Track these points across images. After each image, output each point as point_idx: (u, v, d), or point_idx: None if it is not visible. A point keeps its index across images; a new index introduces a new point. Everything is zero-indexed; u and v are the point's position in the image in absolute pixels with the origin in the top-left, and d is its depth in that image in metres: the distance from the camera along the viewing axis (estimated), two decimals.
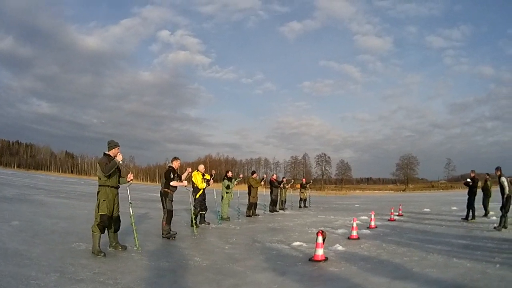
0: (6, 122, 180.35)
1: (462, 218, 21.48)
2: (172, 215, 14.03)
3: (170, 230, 13.77)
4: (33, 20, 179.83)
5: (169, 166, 14.41)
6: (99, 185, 10.49)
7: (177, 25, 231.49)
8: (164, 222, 13.69)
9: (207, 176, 18.30)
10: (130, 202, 11.30)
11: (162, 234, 13.68)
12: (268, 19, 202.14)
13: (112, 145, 10.78)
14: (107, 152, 10.69)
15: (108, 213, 10.33)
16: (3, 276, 7.53)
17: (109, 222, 10.46)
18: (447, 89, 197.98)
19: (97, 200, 10.39)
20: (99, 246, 10.03)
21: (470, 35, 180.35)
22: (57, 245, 10.88)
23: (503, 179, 16.85)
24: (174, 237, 13.62)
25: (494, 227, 17.30)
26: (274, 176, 29.13)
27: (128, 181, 11.10)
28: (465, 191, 23.53)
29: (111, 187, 10.51)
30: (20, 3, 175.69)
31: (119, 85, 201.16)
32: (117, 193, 10.76)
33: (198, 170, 18.02)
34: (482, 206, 22.81)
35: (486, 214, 22.62)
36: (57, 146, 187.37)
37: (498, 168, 17.89)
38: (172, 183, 13.96)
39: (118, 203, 10.75)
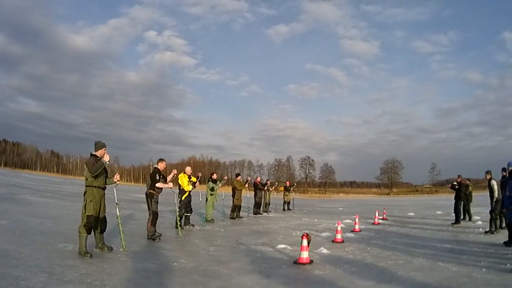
0: None
1: (452, 223, 21.55)
2: (157, 217, 14.04)
3: (155, 231, 13.77)
4: (23, 19, 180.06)
5: (155, 168, 14.41)
6: (86, 186, 10.47)
7: (164, 26, 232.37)
8: (149, 223, 13.69)
9: (193, 179, 18.30)
10: (116, 203, 11.32)
11: (147, 235, 13.67)
12: (255, 22, 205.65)
13: (99, 146, 10.79)
14: (94, 153, 10.69)
15: (94, 214, 10.31)
16: None
17: (96, 223, 10.46)
18: (433, 94, 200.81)
19: (84, 200, 10.37)
20: (85, 247, 10.02)
21: (457, 40, 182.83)
22: (44, 245, 10.84)
23: (493, 182, 16.84)
24: (159, 239, 13.61)
25: (485, 232, 17.40)
26: (258, 179, 29.14)
27: (115, 182, 11.09)
28: (450, 195, 23.74)
29: (98, 187, 10.50)
30: (11, 2, 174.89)
31: (105, 85, 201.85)
32: (104, 194, 10.74)
33: (184, 172, 18.02)
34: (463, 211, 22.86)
35: (470, 219, 22.75)
36: (44, 145, 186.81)
37: (488, 172, 17.93)
38: (157, 185, 13.93)
39: (104, 204, 10.74)
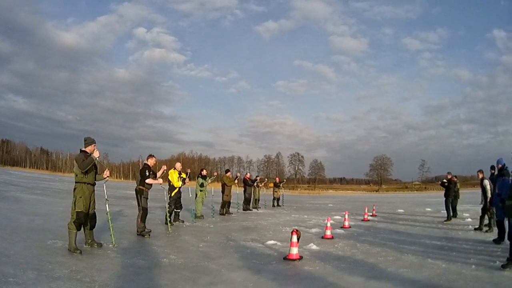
0: None
1: (444, 221, 21.58)
2: (147, 213, 14.03)
3: (145, 227, 13.77)
4: (10, 16, 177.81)
5: (145, 164, 14.40)
6: (75, 182, 10.47)
7: (153, 23, 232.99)
8: (139, 219, 13.67)
9: (183, 175, 18.28)
10: (106, 199, 11.31)
11: (137, 231, 13.68)
12: (244, 18, 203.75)
13: (89, 141, 10.78)
14: (83, 149, 10.67)
15: (84, 210, 10.29)
16: None
17: (85, 219, 10.42)
18: (422, 91, 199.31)
19: (74, 197, 10.35)
20: (75, 243, 10.01)
21: (447, 38, 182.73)
22: (34, 242, 10.83)
23: (486, 182, 16.74)
24: (149, 235, 13.60)
25: (475, 229, 17.57)
26: (248, 175, 29.15)
27: (105, 178, 11.04)
28: (439, 192, 23.80)
29: (88, 184, 10.48)
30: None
31: (94, 81, 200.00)
32: (94, 190, 10.72)
33: (174, 168, 18.03)
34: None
35: (455, 216, 22.83)
36: (33, 142, 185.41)
37: (480, 171, 17.85)
38: (147, 181, 13.93)
39: (94, 200, 10.72)
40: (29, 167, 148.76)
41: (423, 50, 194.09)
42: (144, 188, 13.92)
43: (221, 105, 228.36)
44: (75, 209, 10.22)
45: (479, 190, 17.97)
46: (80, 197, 10.28)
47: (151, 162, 14.54)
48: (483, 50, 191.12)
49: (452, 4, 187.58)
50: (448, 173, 23.14)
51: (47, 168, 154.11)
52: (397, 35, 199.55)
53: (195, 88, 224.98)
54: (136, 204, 14.05)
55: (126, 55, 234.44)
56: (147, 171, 14.03)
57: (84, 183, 10.42)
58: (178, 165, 18.39)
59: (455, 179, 23.31)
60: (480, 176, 17.62)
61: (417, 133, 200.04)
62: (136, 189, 14.07)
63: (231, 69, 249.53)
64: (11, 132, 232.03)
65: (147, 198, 14.08)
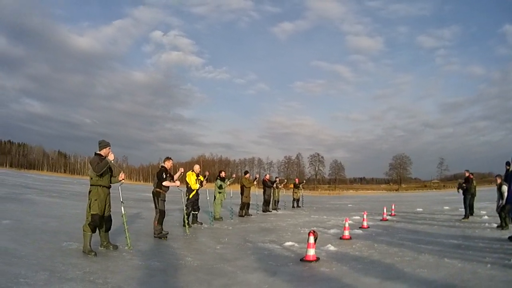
0: None
1: (461, 219, 21.45)
2: (164, 215, 14.01)
3: (162, 230, 13.74)
4: (24, 20, 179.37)
5: (162, 166, 14.40)
6: (90, 185, 10.47)
7: (169, 26, 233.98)
8: (156, 222, 13.66)
9: (201, 177, 18.23)
10: (122, 201, 11.26)
11: (154, 234, 13.65)
12: (260, 20, 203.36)
13: (103, 144, 10.76)
14: (98, 152, 10.66)
15: (99, 213, 10.28)
16: None
17: (100, 222, 10.42)
18: (438, 89, 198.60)
19: (89, 199, 10.36)
20: (90, 246, 10.00)
21: (460, 34, 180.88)
22: (47, 244, 10.84)
23: (504, 188, 16.48)
24: (166, 237, 13.57)
25: (497, 226, 17.47)
26: (267, 176, 29.09)
27: (120, 181, 11.03)
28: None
29: (103, 186, 10.46)
30: (12, 3, 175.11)
31: (111, 85, 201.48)
32: (109, 193, 10.71)
33: (192, 171, 18.01)
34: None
35: (472, 213, 22.65)
36: (50, 146, 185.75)
37: (499, 176, 17.68)
38: (164, 183, 13.91)
39: (109, 203, 10.70)
40: (47, 170, 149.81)
41: (438, 48, 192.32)
42: (161, 191, 13.89)
43: (240, 106, 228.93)
44: (90, 212, 10.22)
45: (495, 187, 17.79)
46: (95, 199, 10.26)
47: (168, 164, 14.51)
48: (495, 45, 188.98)
49: (463, 0, 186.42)
50: (466, 170, 22.94)
51: (65, 171, 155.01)
52: (412, 33, 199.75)
53: (214, 91, 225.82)
54: (154, 206, 14.06)
55: (143, 59, 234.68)
56: (164, 173, 14.04)
57: (99, 185, 10.40)
58: (197, 167, 18.38)
59: (472, 177, 23.15)
60: (499, 181, 17.44)
61: (435, 131, 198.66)
62: (153, 192, 14.06)
63: (248, 70, 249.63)
64: (28, 136, 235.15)
65: (164, 201, 14.07)
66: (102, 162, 10.41)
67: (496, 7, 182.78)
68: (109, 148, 10.80)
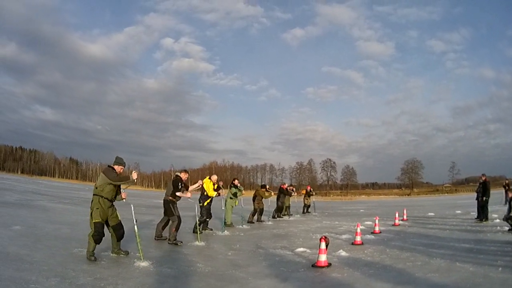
0: (9, 128, 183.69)
1: (476, 219, 21.45)
2: (181, 222, 14.18)
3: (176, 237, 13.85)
4: (36, 27, 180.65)
5: (177, 175, 14.60)
6: (93, 194, 10.47)
7: (180, 33, 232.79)
8: (174, 228, 13.81)
9: (216, 188, 18.21)
10: (135, 220, 11.05)
11: (169, 240, 13.76)
12: (270, 26, 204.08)
13: (120, 162, 10.95)
14: (112, 165, 10.77)
15: (102, 220, 10.30)
16: (2, 279, 7.58)
17: (102, 231, 10.35)
18: (449, 93, 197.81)
19: (91, 209, 10.39)
20: (92, 251, 10.08)
21: (469, 38, 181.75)
22: (59, 250, 10.90)
23: None
24: (181, 243, 13.67)
25: (509, 230, 17.35)
26: (285, 185, 29.30)
27: (122, 199, 11.02)
28: (470, 194, 23.58)
29: (105, 198, 10.44)
30: (23, 10, 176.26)
31: (123, 92, 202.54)
32: (111, 206, 10.67)
33: (210, 178, 18.10)
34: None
35: (487, 218, 22.62)
36: (61, 152, 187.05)
37: (510, 190, 17.76)
38: (177, 194, 14.25)
39: (115, 212, 10.71)
40: (58, 177, 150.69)
41: (448, 51, 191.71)
42: (174, 199, 14.17)
43: (252, 113, 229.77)
44: (92, 220, 10.25)
45: (503, 193, 17.81)
46: (97, 208, 10.28)
47: (183, 176, 14.81)
48: (504, 48, 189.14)
49: (472, 3, 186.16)
50: (483, 174, 23.03)
51: (77, 178, 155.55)
52: (422, 37, 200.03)
53: (226, 97, 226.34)
54: (165, 213, 14.29)
55: (155, 66, 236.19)
56: (179, 183, 14.31)
57: (101, 196, 10.39)
58: (215, 177, 18.45)
59: (486, 179, 23.17)
60: (510, 195, 17.55)
61: (446, 135, 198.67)
62: (166, 200, 14.25)
63: (260, 77, 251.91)
64: (39, 142, 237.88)
65: (178, 208, 14.31)
66: (124, 176, 10.62)
67: (505, 9, 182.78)
68: (123, 168, 10.97)
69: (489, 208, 22.92)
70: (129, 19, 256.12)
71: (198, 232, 15.42)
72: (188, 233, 16.64)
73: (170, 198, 14.13)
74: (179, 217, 14.01)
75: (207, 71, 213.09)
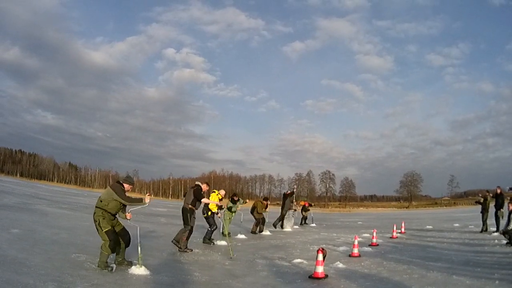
0: (9, 131, 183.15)
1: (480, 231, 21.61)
2: (192, 232, 14.51)
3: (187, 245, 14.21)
4: (40, 33, 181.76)
5: (198, 185, 14.94)
6: (96, 207, 10.32)
7: (182, 44, 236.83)
8: (185, 237, 14.13)
9: (221, 200, 18.27)
10: (139, 242, 10.79)
11: (180, 247, 14.08)
12: (271, 39, 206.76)
13: (129, 181, 10.98)
14: (121, 182, 10.79)
15: (111, 228, 10.20)
16: (1, 282, 7.58)
17: (116, 237, 10.30)
18: (448, 107, 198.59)
19: (96, 221, 10.17)
20: (107, 261, 9.94)
21: (468, 52, 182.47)
22: (57, 255, 10.90)
23: None
24: (191, 250, 14.07)
25: (507, 243, 17.26)
26: (288, 191, 29.29)
27: (127, 219, 10.83)
28: (470, 207, 23.71)
29: (109, 212, 10.35)
30: (28, 16, 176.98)
31: (124, 100, 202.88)
32: (114, 218, 10.56)
33: (218, 193, 18.20)
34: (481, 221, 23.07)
35: (486, 230, 22.99)
36: (61, 157, 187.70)
37: (511, 202, 17.81)
38: (203, 200, 14.81)
39: (117, 219, 10.65)
40: (57, 182, 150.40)
41: (447, 66, 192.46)
42: (194, 208, 14.53)
43: (252, 124, 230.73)
44: (102, 231, 10.03)
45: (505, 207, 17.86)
46: (103, 218, 10.12)
47: (204, 187, 15.19)
48: (503, 62, 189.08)
49: (471, 18, 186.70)
50: (498, 187, 23.40)
51: (75, 183, 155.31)
52: (421, 52, 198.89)
53: (225, 108, 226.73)
54: (183, 221, 14.57)
55: (156, 75, 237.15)
56: (202, 192, 14.66)
57: (105, 210, 10.29)
58: (222, 192, 18.58)
59: (487, 193, 23.49)
60: (511, 207, 17.58)
61: (445, 148, 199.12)
62: (185, 208, 14.52)
63: (260, 88, 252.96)
64: (39, 146, 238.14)
65: (195, 218, 14.68)
66: (138, 198, 10.70)
67: (504, 24, 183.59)
68: (131, 188, 10.96)
69: (488, 222, 23.03)
70: (132, 29, 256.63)
71: (210, 241, 16.22)
72: (193, 242, 16.52)
73: (190, 206, 14.43)
74: (192, 227, 14.35)
75: (207, 82, 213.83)
